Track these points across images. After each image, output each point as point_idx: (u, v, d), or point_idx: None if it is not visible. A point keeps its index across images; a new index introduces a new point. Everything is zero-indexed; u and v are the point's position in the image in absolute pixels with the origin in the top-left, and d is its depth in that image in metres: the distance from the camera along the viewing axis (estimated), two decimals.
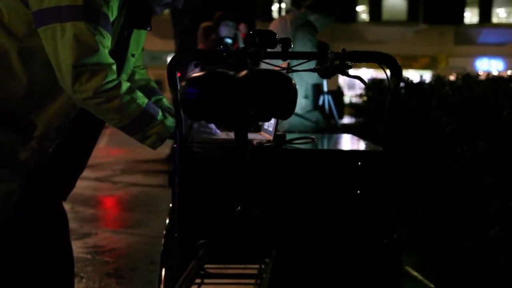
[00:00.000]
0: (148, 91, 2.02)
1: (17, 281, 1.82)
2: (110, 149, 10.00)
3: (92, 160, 2.19)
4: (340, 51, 1.53)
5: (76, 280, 3.32)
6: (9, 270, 1.80)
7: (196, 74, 1.36)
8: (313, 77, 3.64)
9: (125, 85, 1.70)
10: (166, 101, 2.05)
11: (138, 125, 1.73)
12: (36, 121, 1.71)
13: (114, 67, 1.68)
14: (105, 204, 5.87)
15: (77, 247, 3.85)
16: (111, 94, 1.66)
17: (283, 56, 1.55)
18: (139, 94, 1.74)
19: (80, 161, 1.97)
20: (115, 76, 1.68)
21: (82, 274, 3.47)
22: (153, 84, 2.11)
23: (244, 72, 1.36)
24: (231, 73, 1.37)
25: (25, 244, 1.83)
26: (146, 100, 1.75)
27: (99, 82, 1.63)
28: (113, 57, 1.72)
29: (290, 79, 1.38)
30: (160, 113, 1.77)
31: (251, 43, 1.52)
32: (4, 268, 1.80)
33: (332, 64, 1.53)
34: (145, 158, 8.83)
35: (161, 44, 17.21)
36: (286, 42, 1.54)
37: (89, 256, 3.84)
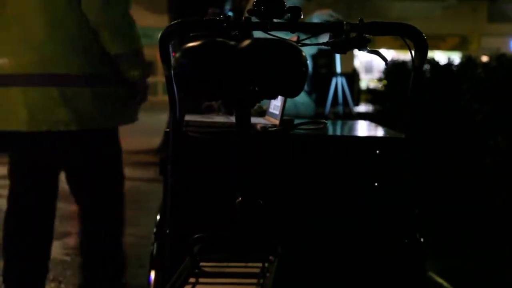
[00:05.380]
0: None
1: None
2: None
3: None
4: (357, 22, 1.52)
5: (53, 285, 3.33)
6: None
7: (192, 43, 1.35)
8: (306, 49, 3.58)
9: None
10: None
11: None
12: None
13: None
14: None
15: (56, 248, 3.85)
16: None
17: (292, 27, 1.53)
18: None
19: None
20: None
21: (60, 278, 3.48)
22: None
23: (247, 42, 1.35)
24: (232, 42, 1.36)
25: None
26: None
27: None
28: None
29: (300, 51, 1.37)
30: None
31: (255, 13, 1.51)
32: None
33: (348, 38, 1.52)
34: (134, 149, 8.84)
35: (152, 20, 17.12)
36: (295, 12, 1.53)
37: (68, 259, 3.85)
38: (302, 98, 3.65)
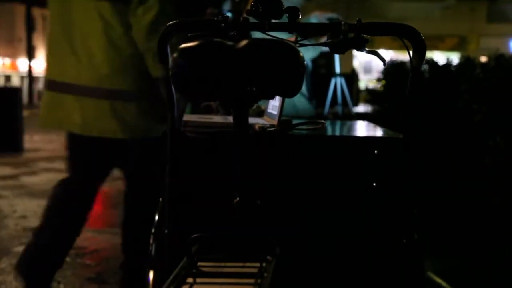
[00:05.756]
0: None
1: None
2: None
3: None
4: (355, 22, 1.52)
5: (53, 286, 3.33)
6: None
7: (190, 43, 1.36)
8: (307, 53, 3.58)
9: None
10: None
11: None
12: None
13: None
14: None
15: None
16: None
17: (290, 27, 1.53)
18: None
19: None
20: None
21: (59, 279, 3.49)
22: None
23: (244, 42, 1.35)
24: (230, 43, 1.36)
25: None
26: None
27: None
28: None
29: (297, 51, 1.37)
30: None
31: (253, 13, 1.51)
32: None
33: (346, 38, 1.52)
34: None
35: None
36: (294, 12, 1.53)
37: (67, 259, 3.85)
38: (302, 103, 3.66)
